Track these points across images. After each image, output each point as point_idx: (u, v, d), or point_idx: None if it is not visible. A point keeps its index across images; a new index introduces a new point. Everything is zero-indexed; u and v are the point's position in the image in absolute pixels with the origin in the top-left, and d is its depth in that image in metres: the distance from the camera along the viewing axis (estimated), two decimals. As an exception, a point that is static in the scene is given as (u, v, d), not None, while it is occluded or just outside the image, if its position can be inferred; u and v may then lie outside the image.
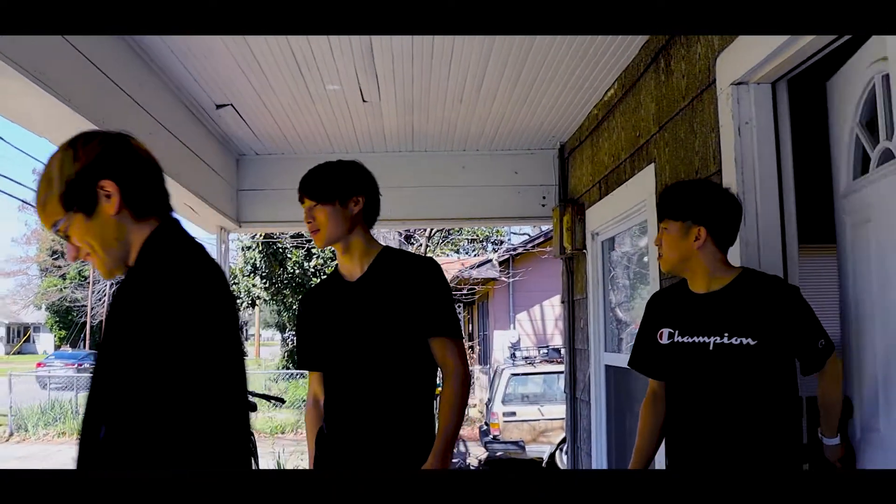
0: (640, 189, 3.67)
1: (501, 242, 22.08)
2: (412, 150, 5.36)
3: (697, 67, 2.98)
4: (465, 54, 3.73)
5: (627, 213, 3.96)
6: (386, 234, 12.77)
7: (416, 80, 3.99)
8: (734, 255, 2.46)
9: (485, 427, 12.16)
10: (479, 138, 5.12)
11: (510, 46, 3.65)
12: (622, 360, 4.23)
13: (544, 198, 5.48)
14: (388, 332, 2.42)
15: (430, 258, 2.54)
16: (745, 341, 2.19)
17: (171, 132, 3.91)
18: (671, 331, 2.39)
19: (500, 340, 16.98)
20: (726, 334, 2.23)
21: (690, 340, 2.31)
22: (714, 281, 2.31)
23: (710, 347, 2.25)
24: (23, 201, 28.38)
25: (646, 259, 3.90)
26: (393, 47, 3.60)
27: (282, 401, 5.61)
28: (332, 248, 2.56)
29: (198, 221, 5.23)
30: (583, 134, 4.83)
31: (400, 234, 12.81)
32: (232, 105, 4.30)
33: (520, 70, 3.94)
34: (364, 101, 4.27)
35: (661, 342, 2.41)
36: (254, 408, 5.14)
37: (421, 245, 13.53)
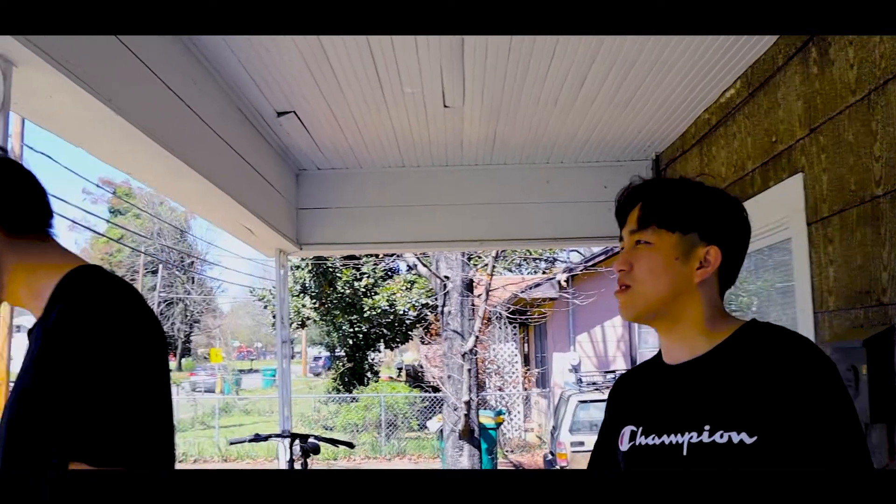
0: (778, 204, 3.09)
1: (555, 260, 21.47)
2: (490, 162, 4.82)
3: (877, 52, 2.40)
4: (570, 52, 3.21)
5: (756, 234, 3.37)
6: (448, 255, 12.24)
7: (509, 81, 3.46)
8: None
9: (550, 457, 11.57)
10: (566, 148, 4.57)
11: (621, 44, 3.15)
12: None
13: (637, 215, 4.90)
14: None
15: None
16: (736, 438, 1.42)
17: (226, 142, 3.42)
18: (634, 429, 1.63)
19: (560, 363, 16.38)
20: (707, 428, 1.46)
21: (656, 442, 1.55)
22: (701, 340, 1.57)
23: (684, 451, 1.48)
24: (72, 221, 28.44)
25: (784, 284, 3.30)
26: (488, 44, 3.09)
27: (351, 445, 5.08)
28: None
29: (255, 243, 4.76)
30: (687, 142, 4.25)
31: (463, 254, 12.26)
32: (294, 112, 3.81)
33: (627, 71, 3.42)
34: (445, 106, 3.75)
35: (622, 448, 1.65)
36: (316, 450, 4.63)
37: (487, 265, 12.92)
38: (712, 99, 3.79)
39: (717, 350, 1.55)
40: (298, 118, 3.88)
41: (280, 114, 3.79)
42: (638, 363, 1.84)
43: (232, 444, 5.94)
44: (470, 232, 4.86)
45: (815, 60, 2.79)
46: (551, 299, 16.17)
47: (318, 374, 43.86)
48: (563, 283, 15.60)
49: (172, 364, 54.30)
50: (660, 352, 1.68)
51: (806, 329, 2.88)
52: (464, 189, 4.86)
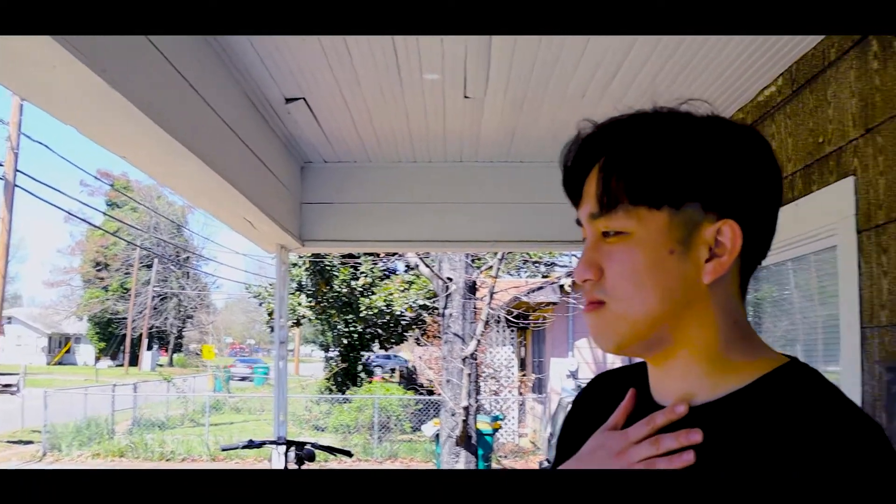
0: (823, 210, 2.87)
1: (554, 264, 21.28)
2: (507, 159, 4.58)
3: (955, 44, 2.18)
4: (603, 44, 3.00)
5: (797, 239, 3.15)
6: (452, 257, 11.99)
7: (537, 71, 3.24)
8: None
9: (546, 464, 11.35)
10: (586, 147, 4.34)
11: (658, 39, 2.94)
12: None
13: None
14: None
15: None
16: None
17: (230, 127, 3.19)
18: None
19: (557, 369, 16.17)
20: None
21: None
22: (707, 378, 1.03)
23: None
24: (67, 212, 28.20)
25: (823, 296, 3.08)
26: (519, 32, 2.86)
27: (349, 454, 4.86)
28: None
29: (255, 238, 4.54)
30: (715, 144, 4.02)
31: (467, 256, 12.01)
32: (304, 99, 3.57)
33: (661, 67, 3.20)
34: (466, 96, 3.52)
35: None
36: (312, 458, 4.40)
37: (492, 267, 12.66)
38: (749, 97, 3.57)
39: (725, 402, 1.00)
40: (308, 106, 3.65)
41: (289, 100, 3.55)
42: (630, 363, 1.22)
43: (224, 450, 5.70)
44: (483, 232, 4.62)
45: (877, 55, 2.57)
46: (552, 303, 15.94)
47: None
48: (567, 288, 15.36)
49: (163, 359, 54.13)
50: (644, 367, 1.16)
51: (851, 344, 2.66)
52: (478, 187, 4.62)
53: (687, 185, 1.00)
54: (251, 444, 4.63)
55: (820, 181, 2.92)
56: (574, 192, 1.09)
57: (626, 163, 1.02)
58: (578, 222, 1.10)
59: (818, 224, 2.92)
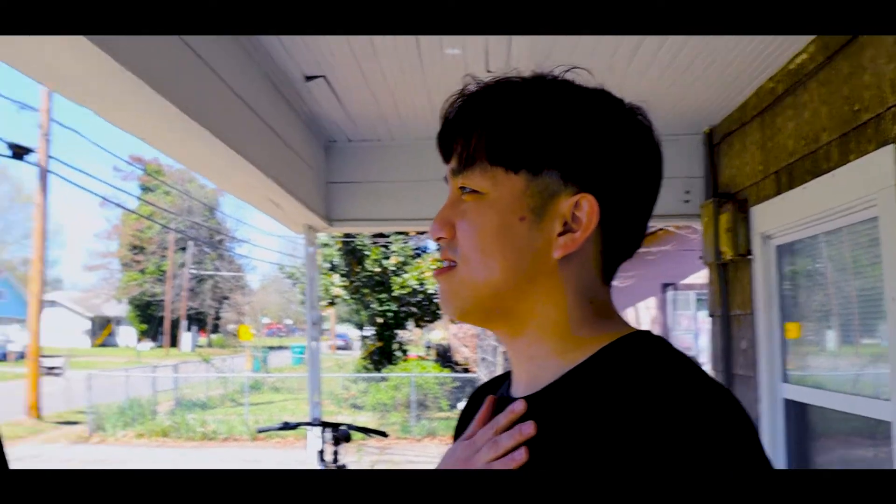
0: (862, 180, 2.76)
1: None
2: (533, 134, 4.50)
3: None
4: (627, 7, 2.89)
5: (832, 212, 3.04)
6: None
7: (560, 44, 3.15)
8: None
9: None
10: (614, 120, 4.24)
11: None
12: (807, 394, 3.37)
13: (688, 192, 4.57)
14: None
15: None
16: None
17: (251, 107, 3.14)
18: None
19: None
20: None
21: None
22: (555, 360, 0.96)
23: None
24: (103, 198, 28.54)
25: (872, 273, 2.98)
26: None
27: (384, 434, 4.83)
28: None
29: (282, 219, 4.51)
30: (746, 114, 3.91)
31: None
32: (325, 77, 3.52)
33: (689, 36, 3.09)
34: (488, 70, 3.44)
35: None
36: (348, 438, 4.38)
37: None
38: (779, 65, 3.45)
39: (560, 383, 0.94)
40: (328, 83, 3.60)
41: (309, 78, 3.50)
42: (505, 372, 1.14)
43: (260, 432, 5.72)
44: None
45: (913, 15, 2.46)
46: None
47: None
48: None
49: (203, 340, 54.77)
50: None
51: None
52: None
53: (546, 151, 0.95)
54: (286, 426, 4.63)
55: (857, 150, 2.82)
56: (446, 147, 1.03)
57: (489, 121, 0.97)
58: (446, 180, 1.04)
59: (856, 195, 2.82)
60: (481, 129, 0.97)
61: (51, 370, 29.24)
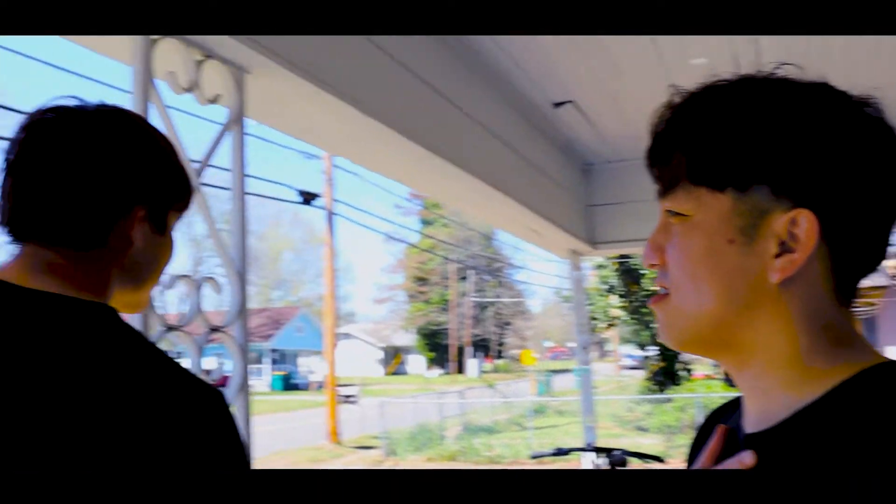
0: None
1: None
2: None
3: None
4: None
5: None
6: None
7: (815, 44, 2.94)
8: None
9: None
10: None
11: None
12: None
13: None
14: None
15: None
16: None
17: (504, 141, 3.23)
18: None
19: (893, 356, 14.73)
20: None
21: None
22: (786, 393, 0.85)
23: None
24: (387, 234, 30.32)
25: None
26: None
27: (660, 459, 4.71)
28: None
29: (545, 245, 4.57)
30: None
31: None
32: (573, 102, 3.53)
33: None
34: (740, 76, 3.29)
35: None
36: (623, 464, 4.31)
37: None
38: None
39: (797, 418, 0.84)
40: (578, 108, 3.60)
41: (557, 104, 3.53)
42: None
43: (534, 457, 5.77)
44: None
45: None
46: (881, 287, 14.55)
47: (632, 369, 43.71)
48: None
49: (488, 366, 56.39)
50: None
51: None
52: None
53: (752, 166, 0.84)
54: (559, 452, 4.64)
55: None
56: (650, 168, 0.94)
57: (687, 138, 0.88)
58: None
59: None
60: (681, 147, 0.89)
61: (347, 398, 31.31)
